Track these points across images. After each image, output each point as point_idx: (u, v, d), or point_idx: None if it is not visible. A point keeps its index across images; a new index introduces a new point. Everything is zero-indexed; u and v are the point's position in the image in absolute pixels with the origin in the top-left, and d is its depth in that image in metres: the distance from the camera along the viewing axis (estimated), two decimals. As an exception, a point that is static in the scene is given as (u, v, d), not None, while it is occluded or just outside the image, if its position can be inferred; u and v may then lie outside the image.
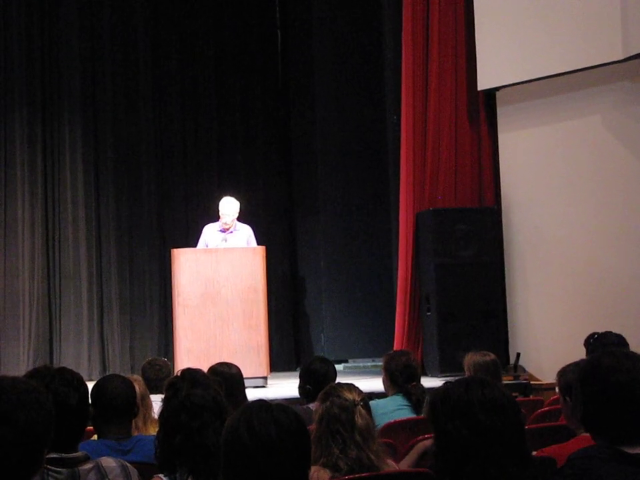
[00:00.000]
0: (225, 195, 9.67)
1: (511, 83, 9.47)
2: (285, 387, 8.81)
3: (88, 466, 3.06)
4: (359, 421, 3.50)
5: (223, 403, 3.27)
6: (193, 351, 8.68)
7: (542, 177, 9.28)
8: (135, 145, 11.35)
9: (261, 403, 2.43)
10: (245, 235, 9.36)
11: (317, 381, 5.29)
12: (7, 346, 10.58)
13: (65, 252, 10.96)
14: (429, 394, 4.96)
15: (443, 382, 2.68)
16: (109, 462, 3.12)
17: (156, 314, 11.15)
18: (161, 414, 3.28)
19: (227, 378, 4.66)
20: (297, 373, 9.88)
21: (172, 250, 9.13)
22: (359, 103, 11.41)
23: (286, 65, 12.06)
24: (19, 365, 10.57)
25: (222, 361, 5.39)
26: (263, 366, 8.75)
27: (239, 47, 11.80)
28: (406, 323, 9.60)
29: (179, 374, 3.37)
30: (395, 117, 10.09)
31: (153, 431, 4.48)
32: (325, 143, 11.58)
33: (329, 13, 11.60)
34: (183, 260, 8.89)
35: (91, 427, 4.03)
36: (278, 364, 10.51)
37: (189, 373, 3.37)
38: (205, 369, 5.44)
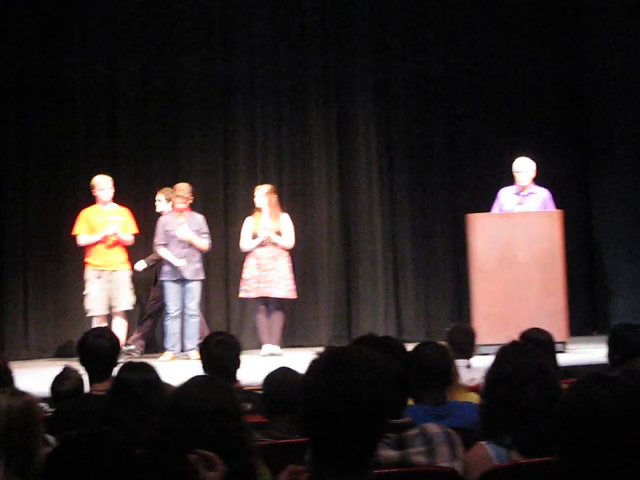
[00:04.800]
0: (516, 157, 9.53)
1: None
2: (584, 352, 8.63)
3: (413, 432, 3.13)
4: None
5: (548, 366, 3.27)
6: (489, 315, 8.66)
7: None
8: (426, 110, 11.42)
9: (599, 374, 2.40)
10: (540, 198, 9.19)
11: (627, 349, 5.12)
12: (306, 309, 10.99)
13: (361, 218, 11.24)
14: None
15: None
16: (433, 428, 3.17)
17: (450, 278, 11.20)
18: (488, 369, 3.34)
19: (537, 344, 4.62)
20: (593, 338, 9.73)
21: (467, 215, 9.11)
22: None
23: (580, 30, 11.61)
24: (318, 328, 10.99)
25: (520, 325, 5.34)
26: (562, 331, 8.58)
27: (529, 9, 11.56)
28: None
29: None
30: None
31: (460, 398, 4.51)
32: (620, 102, 11.11)
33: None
34: (478, 225, 8.87)
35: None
36: (573, 329, 10.27)
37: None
38: (502, 334, 5.42)
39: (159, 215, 9.92)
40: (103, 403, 4.23)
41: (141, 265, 9.84)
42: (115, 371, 4.30)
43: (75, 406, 4.46)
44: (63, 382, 5.07)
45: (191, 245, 9.71)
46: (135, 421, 3.70)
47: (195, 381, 2.86)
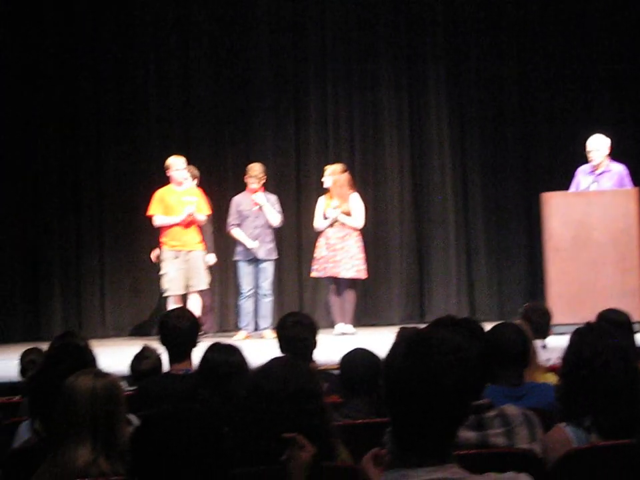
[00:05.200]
0: (592, 134, 9.38)
1: None
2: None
3: (492, 413, 3.13)
4: None
5: (628, 348, 3.24)
6: (564, 295, 8.58)
7: None
8: (499, 88, 11.28)
9: None
10: (616, 175, 9.02)
11: None
12: (379, 289, 11.01)
13: (433, 197, 11.19)
14: None
15: None
16: (512, 410, 3.17)
17: (523, 258, 11.09)
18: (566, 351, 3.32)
19: (615, 324, 4.59)
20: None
21: (542, 194, 9.01)
22: None
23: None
24: (391, 307, 11.00)
25: (596, 304, 5.28)
26: (637, 310, 8.41)
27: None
28: None
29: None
30: None
31: (538, 378, 4.48)
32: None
33: None
34: (553, 203, 8.78)
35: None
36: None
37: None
38: (577, 314, 5.34)
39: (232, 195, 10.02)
40: (183, 382, 4.29)
41: (211, 258, 9.88)
42: (200, 351, 4.36)
43: (155, 385, 4.53)
44: (142, 361, 5.14)
45: (263, 225, 9.78)
46: (219, 401, 3.75)
47: (275, 362, 2.88)
